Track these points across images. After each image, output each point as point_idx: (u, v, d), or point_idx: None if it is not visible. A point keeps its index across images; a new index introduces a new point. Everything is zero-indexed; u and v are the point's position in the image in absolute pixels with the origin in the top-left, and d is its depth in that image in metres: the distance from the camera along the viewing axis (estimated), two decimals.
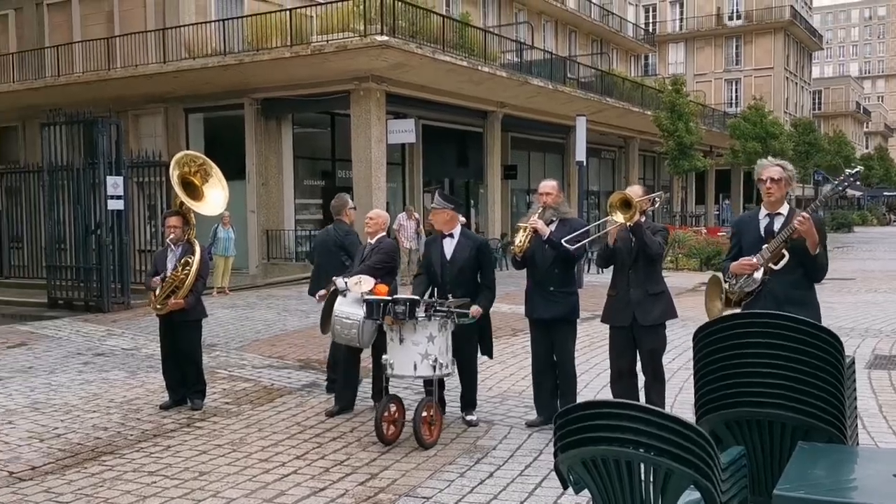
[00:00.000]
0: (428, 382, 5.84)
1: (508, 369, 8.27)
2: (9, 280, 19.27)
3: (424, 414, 5.66)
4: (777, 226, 4.70)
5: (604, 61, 37.12)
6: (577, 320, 6.21)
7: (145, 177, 16.30)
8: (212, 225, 15.29)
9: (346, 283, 6.09)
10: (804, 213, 4.48)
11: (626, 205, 5.33)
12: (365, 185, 18.97)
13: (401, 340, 5.66)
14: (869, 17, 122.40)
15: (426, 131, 22.95)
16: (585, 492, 3.00)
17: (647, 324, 5.56)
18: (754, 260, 4.68)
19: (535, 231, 5.92)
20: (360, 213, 8.36)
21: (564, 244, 5.74)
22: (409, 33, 19.74)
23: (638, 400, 5.65)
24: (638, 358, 5.75)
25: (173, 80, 20.28)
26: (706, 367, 3.43)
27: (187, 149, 19.37)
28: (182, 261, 6.80)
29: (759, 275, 4.66)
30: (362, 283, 6.00)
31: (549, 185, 6.14)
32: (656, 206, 5.95)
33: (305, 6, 21.02)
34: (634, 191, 5.66)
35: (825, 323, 3.80)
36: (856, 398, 3.75)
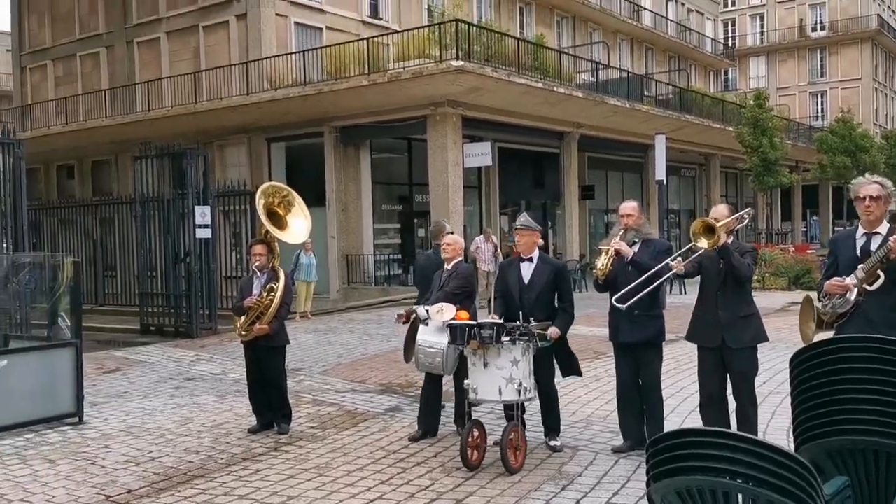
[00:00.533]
0: (510, 407, 5.79)
1: (592, 393, 8.14)
2: (104, 307, 20.14)
3: (511, 438, 5.62)
4: (874, 245, 4.52)
5: (682, 78, 36.53)
6: (663, 343, 6.08)
7: (230, 205, 16.82)
8: (294, 251, 15.64)
9: (427, 311, 6.12)
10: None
11: (710, 230, 5.20)
12: (442, 209, 19.10)
13: (485, 365, 5.64)
14: None
15: (502, 154, 23.00)
16: None
17: (738, 346, 5.38)
18: (847, 280, 4.50)
19: (618, 253, 5.83)
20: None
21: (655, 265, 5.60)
22: (483, 57, 19.90)
23: (729, 426, 5.47)
24: (728, 382, 5.57)
25: (256, 110, 20.94)
26: (804, 393, 3.30)
27: (270, 177, 20.00)
28: (267, 287, 6.96)
29: (852, 296, 4.49)
30: (444, 312, 6.02)
31: (629, 206, 6.05)
32: (745, 223, 5.77)
33: (382, 35, 21.45)
34: (720, 210, 5.52)
35: None
36: None
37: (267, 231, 7.15)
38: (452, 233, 7.98)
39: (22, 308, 9.38)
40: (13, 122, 22.78)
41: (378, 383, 9.15)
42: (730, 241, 5.38)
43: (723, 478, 2.69)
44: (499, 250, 19.09)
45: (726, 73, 51.31)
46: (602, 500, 5.08)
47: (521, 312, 5.97)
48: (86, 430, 7.36)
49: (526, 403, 6.10)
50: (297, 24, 23.23)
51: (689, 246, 5.58)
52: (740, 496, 2.68)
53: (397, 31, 21.65)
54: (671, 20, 38.54)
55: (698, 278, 5.61)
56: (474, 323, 5.74)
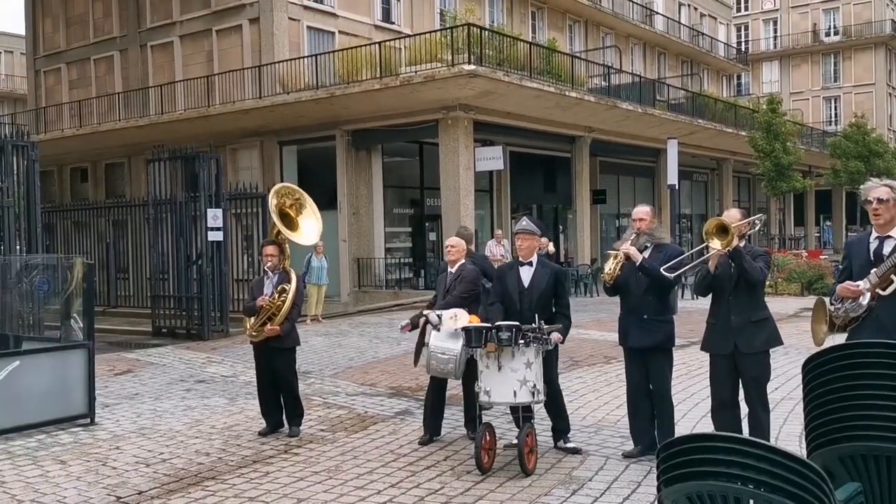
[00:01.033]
0: (523, 409, 5.79)
1: (602, 398, 8.11)
2: (116, 309, 20.24)
3: (527, 440, 5.63)
4: (887, 249, 4.48)
5: (694, 82, 36.44)
6: (673, 348, 6.06)
7: (242, 209, 16.88)
8: (306, 254, 15.69)
9: (439, 316, 6.12)
10: None
11: (723, 230, 5.17)
12: (454, 213, 19.10)
13: (499, 368, 5.64)
14: None
15: (514, 158, 23.00)
16: None
17: (750, 351, 5.34)
18: (861, 285, 4.47)
19: (627, 258, 5.81)
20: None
21: (663, 271, 5.61)
22: (496, 61, 19.91)
23: (741, 431, 5.43)
24: (740, 387, 5.54)
25: (268, 114, 21.03)
26: (817, 398, 3.27)
27: (281, 180, 20.04)
28: (279, 288, 6.97)
29: (865, 300, 4.45)
30: (458, 318, 6.03)
31: (642, 210, 6.03)
32: (756, 228, 5.74)
33: (394, 39, 21.50)
34: (731, 215, 5.50)
35: None
36: None
37: (278, 232, 7.18)
38: (468, 230, 8.03)
39: (35, 309, 9.44)
40: (27, 125, 22.96)
41: (388, 387, 9.15)
42: (742, 244, 5.36)
43: (734, 483, 2.67)
44: (510, 254, 19.09)
45: (739, 77, 51.11)
46: None
47: (524, 316, 5.94)
48: (97, 431, 7.40)
49: (535, 406, 6.09)
50: (309, 27, 23.32)
51: (702, 246, 5.55)
52: (752, 501, 2.66)
53: (409, 36, 21.69)
54: (684, 24, 38.45)
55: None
56: (491, 325, 5.73)
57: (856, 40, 54.65)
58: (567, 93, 21.05)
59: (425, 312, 6.38)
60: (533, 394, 5.62)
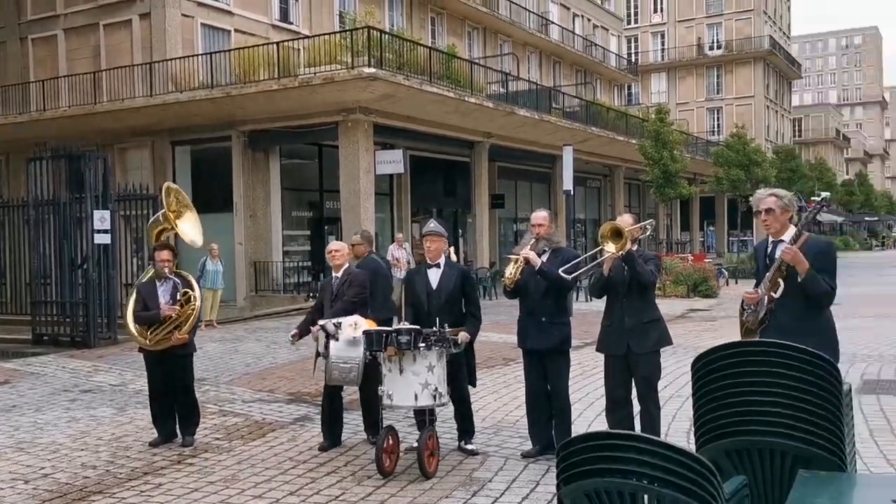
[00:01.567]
0: (423, 412, 5.81)
1: (501, 399, 8.23)
2: None
3: (428, 443, 5.64)
4: (779, 253, 4.67)
5: (588, 91, 37.50)
6: (570, 349, 6.21)
7: (132, 210, 16.23)
8: (200, 258, 15.22)
9: (337, 326, 6.04)
10: (786, 244, 4.50)
11: (617, 234, 5.35)
12: (353, 216, 18.97)
13: (401, 371, 5.63)
14: (846, 45, 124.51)
15: (414, 162, 23.05)
16: None
17: (643, 351, 5.55)
18: (758, 291, 4.69)
19: (527, 262, 5.93)
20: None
21: (562, 274, 5.75)
22: (396, 65, 19.90)
23: (633, 429, 5.62)
24: (633, 386, 5.73)
25: (160, 112, 20.32)
26: (706, 395, 3.42)
27: (174, 181, 19.39)
28: (185, 296, 6.72)
29: (764, 303, 4.66)
30: (357, 326, 5.99)
31: (541, 215, 6.17)
32: (647, 233, 5.97)
33: (292, 39, 21.18)
34: (625, 220, 5.69)
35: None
36: (853, 425, 3.75)
37: (168, 235, 6.96)
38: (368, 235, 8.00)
39: None
40: None
41: (287, 392, 8.99)
42: (634, 248, 5.55)
43: (630, 479, 2.76)
44: (412, 257, 19.12)
45: (630, 87, 52.98)
46: None
47: (426, 318, 5.98)
48: None
49: (438, 409, 6.12)
50: (203, 25, 22.68)
51: (596, 249, 5.72)
52: (646, 497, 2.75)
53: (308, 37, 21.42)
54: (578, 35, 39.53)
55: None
56: (391, 329, 5.72)
57: (737, 54, 57.59)
58: (466, 98, 21.28)
59: (321, 322, 6.27)
60: (435, 397, 5.65)
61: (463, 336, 5.94)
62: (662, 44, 60.46)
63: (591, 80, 40.75)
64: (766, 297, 4.62)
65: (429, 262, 6.25)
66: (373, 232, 18.96)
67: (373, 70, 17.74)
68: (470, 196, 24.66)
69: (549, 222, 6.13)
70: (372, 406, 6.39)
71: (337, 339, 6.01)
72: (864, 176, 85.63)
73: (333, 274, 6.74)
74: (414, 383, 5.61)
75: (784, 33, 67.96)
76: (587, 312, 14.05)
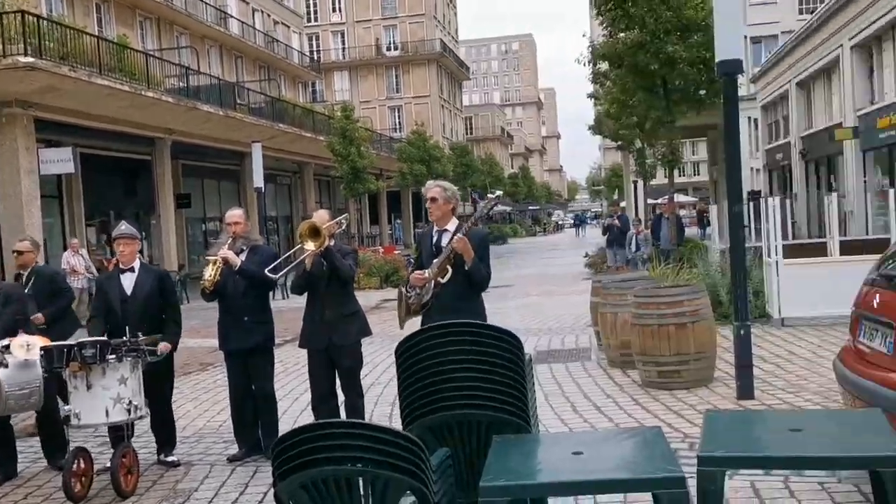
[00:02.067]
0: (118, 428, 5.42)
1: (202, 405, 7.95)
2: None
3: (123, 460, 5.25)
4: (444, 241, 5.15)
5: (273, 87, 37.22)
6: (273, 347, 6.19)
7: None
8: None
9: (3, 350, 5.39)
10: (460, 234, 4.96)
11: (315, 232, 5.44)
12: (16, 222, 16.97)
13: (88, 387, 5.18)
14: (505, 51, 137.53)
15: (87, 160, 21.12)
16: None
17: (345, 343, 5.70)
18: (426, 273, 5.07)
19: (226, 262, 5.79)
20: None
21: (267, 273, 5.70)
22: (58, 55, 18.11)
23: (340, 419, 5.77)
24: (337, 378, 5.87)
25: None
26: (410, 377, 3.63)
27: None
28: None
29: (430, 286, 5.06)
30: (30, 348, 5.38)
31: (236, 214, 6.05)
32: (342, 228, 6.14)
33: None
34: (321, 216, 5.79)
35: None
36: (535, 391, 4.22)
37: None
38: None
39: None
40: None
41: None
42: (332, 244, 5.68)
43: (344, 465, 2.85)
44: (91, 263, 17.62)
45: (314, 85, 53.49)
46: None
47: (122, 327, 5.60)
48: None
49: (136, 423, 5.75)
50: None
51: (296, 248, 5.76)
52: (360, 479, 2.87)
53: None
54: (259, 30, 39.01)
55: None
56: (73, 343, 5.24)
57: (412, 56, 60.84)
58: (143, 92, 20.03)
59: None
60: (130, 411, 5.27)
61: (163, 346, 5.64)
62: (343, 43, 61.92)
63: (276, 76, 40.49)
64: (433, 282, 5.02)
65: (122, 266, 5.84)
66: (40, 239, 17.15)
67: (31, 59, 15.99)
68: (153, 196, 23.31)
69: (245, 220, 6.04)
70: (51, 428, 5.83)
71: (6, 366, 5.35)
72: (526, 169, 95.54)
73: None
74: (104, 398, 5.20)
75: (453, 37, 73.18)
76: (285, 310, 13.99)
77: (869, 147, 22.09)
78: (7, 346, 5.42)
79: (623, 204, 34.62)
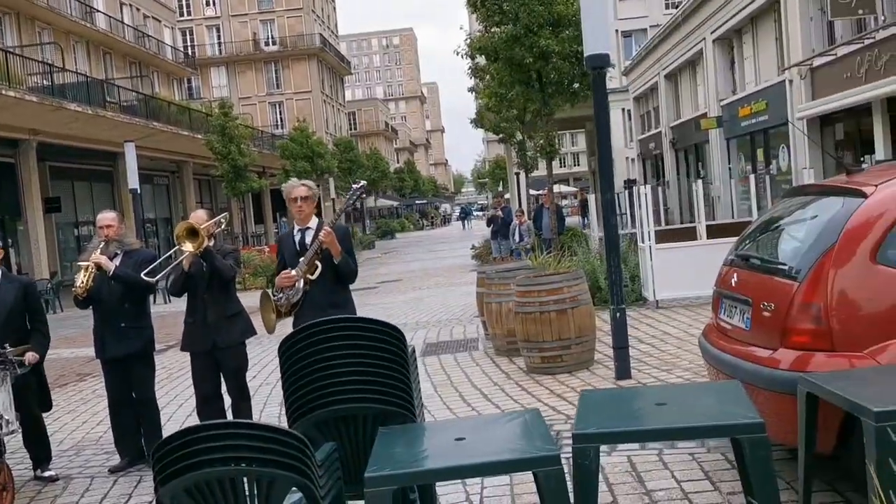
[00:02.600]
0: None
1: (81, 417, 7.64)
2: None
3: None
4: (308, 239, 5.19)
5: (146, 84, 35.84)
6: (154, 353, 6.02)
7: None
8: None
9: None
10: (327, 227, 5.01)
11: (193, 233, 5.34)
12: None
13: None
14: (386, 45, 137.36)
15: None
16: None
17: (229, 345, 5.61)
18: (293, 273, 5.07)
19: (99, 267, 5.59)
20: None
21: (143, 277, 5.54)
22: None
23: None
24: (222, 380, 5.78)
25: None
26: (293, 374, 3.63)
27: None
28: None
29: (300, 285, 5.07)
30: None
31: (108, 216, 5.84)
32: (222, 227, 6.03)
33: None
34: (199, 216, 5.67)
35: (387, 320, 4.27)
36: (419, 382, 4.29)
37: None
38: None
39: None
40: None
41: None
42: (211, 244, 5.57)
43: (228, 466, 2.83)
44: None
45: (189, 81, 51.80)
46: None
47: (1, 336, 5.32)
48: None
49: (7, 439, 5.47)
50: None
51: (174, 250, 5.62)
52: (245, 479, 2.85)
53: None
54: (128, 25, 37.43)
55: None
56: None
57: (292, 51, 59.84)
58: (3, 91, 18.91)
59: None
60: (0, 426, 5.03)
61: (30, 356, 5.39)
62: (219, 38, 60.21)
63: (148, 73, 38.98)
64: (301, 280, 5.04)
65: None
66: None
67: None
68: (18, 201, 22.06)
69: (118, 223, 5.84)
70: None
71: None
72: (412, 164, 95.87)
73: None
74: None
75: (333, 32, 72.46)
76: (165, 314, 13.57)
77: (732, 135, 23.44)
78: None
79: (507, 196, 35.33)
